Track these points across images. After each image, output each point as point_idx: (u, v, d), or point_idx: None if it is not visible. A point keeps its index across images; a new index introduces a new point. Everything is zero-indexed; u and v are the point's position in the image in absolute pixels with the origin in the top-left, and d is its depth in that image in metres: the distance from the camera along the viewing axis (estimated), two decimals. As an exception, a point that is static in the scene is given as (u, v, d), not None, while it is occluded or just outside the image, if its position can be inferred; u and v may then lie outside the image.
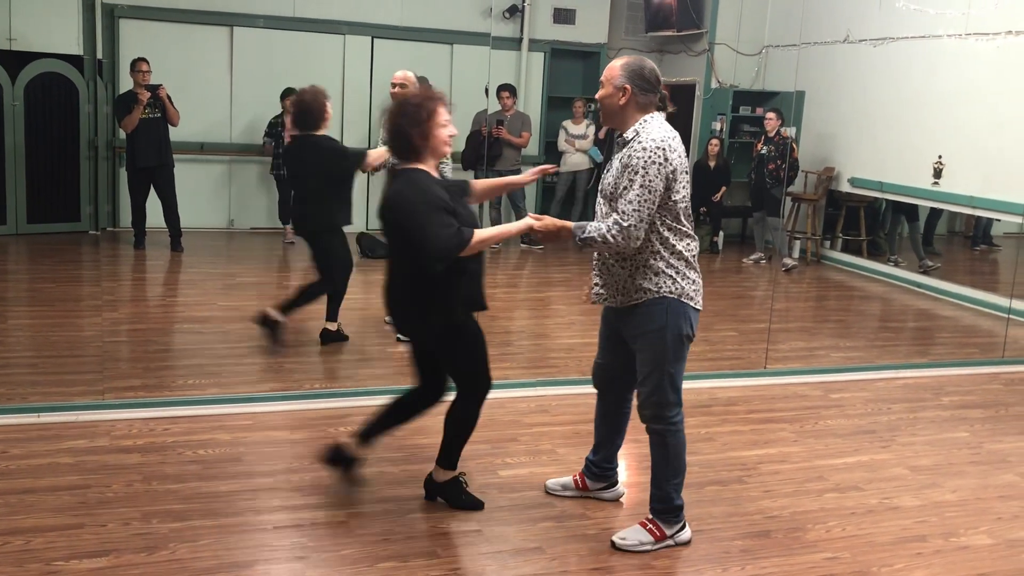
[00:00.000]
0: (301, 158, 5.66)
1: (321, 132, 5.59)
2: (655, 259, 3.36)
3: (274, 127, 9.40)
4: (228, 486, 3.82)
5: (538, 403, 5.04)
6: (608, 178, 3.45)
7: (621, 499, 3.93)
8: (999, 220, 9.22)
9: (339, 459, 3.78)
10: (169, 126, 8.69)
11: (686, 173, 3.41)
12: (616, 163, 3.41)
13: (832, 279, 9.48)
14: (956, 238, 11.09)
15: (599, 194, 3.53)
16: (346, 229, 5.84)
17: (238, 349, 5.79)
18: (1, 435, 4.19)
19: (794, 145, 9.43)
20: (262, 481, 3.88)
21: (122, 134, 8.81)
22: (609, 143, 10.19)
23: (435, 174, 3.51)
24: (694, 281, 3.42)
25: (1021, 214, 7.42)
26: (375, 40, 10.22)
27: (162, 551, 3.27)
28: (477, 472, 4.07)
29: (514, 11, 10.64)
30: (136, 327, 6.27)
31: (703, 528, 3.69)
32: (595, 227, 3.33)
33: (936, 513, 3.93)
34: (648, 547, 3.50)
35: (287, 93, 9.28)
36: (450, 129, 3.49)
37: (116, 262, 8.43)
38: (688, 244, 3.41)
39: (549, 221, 3.44)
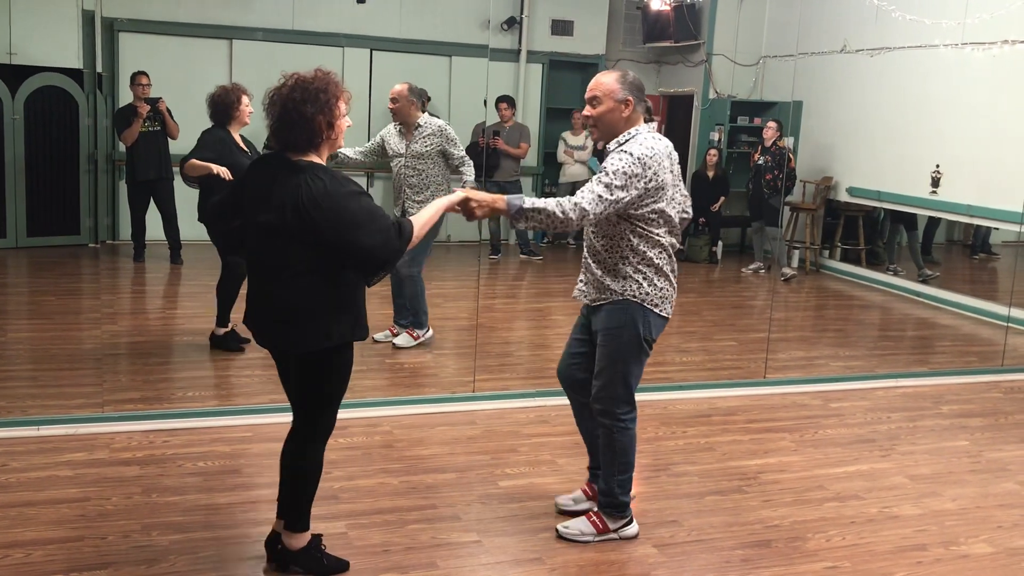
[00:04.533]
0: None
1: (232, 128, 5.74)
2: (624, 264, 3.47)
3: (273, 139, 9.41)
4: (227, 498, 3.82)
5: (538, 414, 5.04)
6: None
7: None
8: (997, 228, 9.24)
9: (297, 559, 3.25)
10: (169, 139, 8.72)
11: (676, 185, 3.51)
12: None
13: (831, 288, 9.49)
14: (955, 247, 11.11)
15: None
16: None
17: (237, 361, 5.79)
18: (1, 448, 4.19)
19: (791, 155, 9.45)
20: (261, 493, 3.88)
21: (122, 147, 8.82)
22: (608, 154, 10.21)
23: None
24: (661, 289, 3.50)
25: (1019, 223, 7.43)
26: (374, 52, 10.25)
27: (162, 563, 3.27)
28: (477, 483, 4.07)
29: (512, 23, 10.68)
30: (136, 339, 6.27)
31: (703, 538, 3.69)
32: (542, 201, 3.36)
33: (936, 522, 3.93)
34: (589, 538, 3.61)
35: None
36: (348, 120, 3.16)
37: (116, 275, 8.44)
38: (660, 253, 3.47)
39: (483, 195, 3.38)
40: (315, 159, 3.06)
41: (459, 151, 6.12)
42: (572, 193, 10.81)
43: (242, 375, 5.56)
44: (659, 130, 3.66)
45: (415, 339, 6.25)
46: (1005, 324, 7.29)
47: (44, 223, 9.05)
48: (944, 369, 6.49)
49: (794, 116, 10.21)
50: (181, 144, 8.97)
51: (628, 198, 3.34)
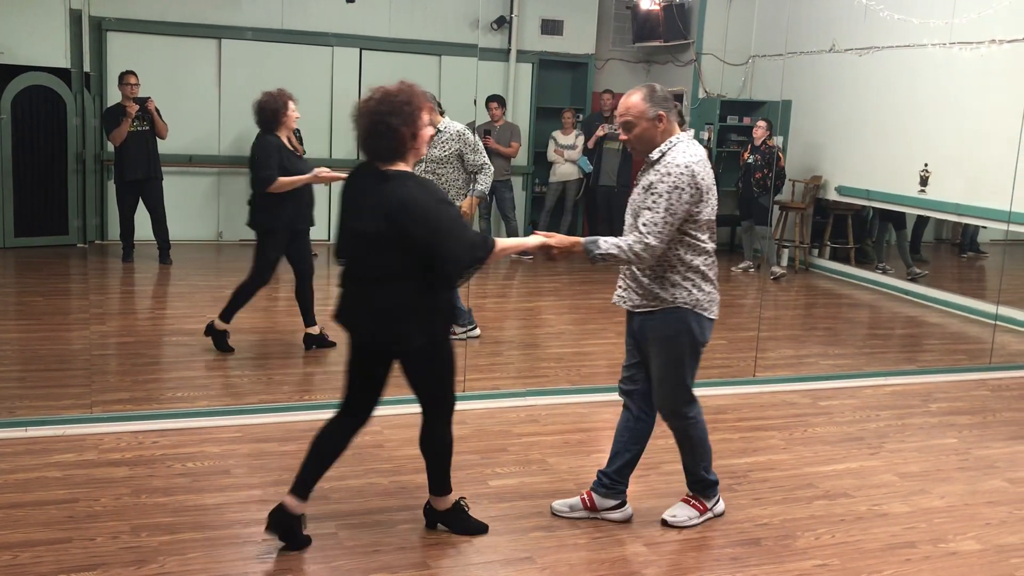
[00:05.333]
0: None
1: (280, 133, 5.76)
2: (672, 272, 3.53)
3: (262, 139, 9.39)
4: (217, 499, 3.81)
5: (528, 413, 5.04)
6: (635, 196, 3.57)
7: (630, 520, 3.81)
8: (985, 227, 9.28)
9: (285, 522, 3.42)
10: (157, 139, 8.69)
11: (712, 191, 3.56)
12: (643, 181, 3.54)
13: (820, 287, 9.51)
14: (943, 245, 11.15)
15: (628, 208, 3.65)
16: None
17: (226, 361, 5.78)
18: (-12, 449, 4.17)
19: (780, 154, 9.47)
20: (251, 493, 3.87)
21: (110, 147, 8.79)
22: (598, 153, 10.23)
23: None
24: (709, 293, 3.57)
25: (1006, 221, 7.47)
26: (363, 51, 10.23)
27: (151, 564, 3.26)
28: (467, 482, 4.06)
29: (502, 22, 10.68)
30: (124, 340, 6.25)
31: (693, 536, 3.70)
32: (613, 242, 3.45)
33: (925, 519, 3.95)
34: (695, 520, 3.79)
35: (275, 105, 9.30)
36: (430, 129, 3.39)
37: (104, 275, 8.40)
38: (706, 259, 3.55)
39: (561, 238, 3.54)
40: (402, 167, 3.27)
41: (478, 157, 6.09)
42: (561, 193, 10.70)
43: (232, 375, 5.54)
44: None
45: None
46: (993, 322, 7.33)
47: (32, 223, 9.01)
48: (933, 367, 6.52)
49: (783, 115, 10.23)
50: (169, 143, 8.96)
51: (687, 208, 3.42)
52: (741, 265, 9.94)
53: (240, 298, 5.90)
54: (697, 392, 5.44)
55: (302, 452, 4.30)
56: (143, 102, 8.52)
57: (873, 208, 9.80)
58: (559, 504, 3.86)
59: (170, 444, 4.35)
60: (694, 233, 3.49)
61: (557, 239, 3.52)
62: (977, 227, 9.84)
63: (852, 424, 5.13)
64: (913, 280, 9.18)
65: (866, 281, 9.53)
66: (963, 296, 8.53)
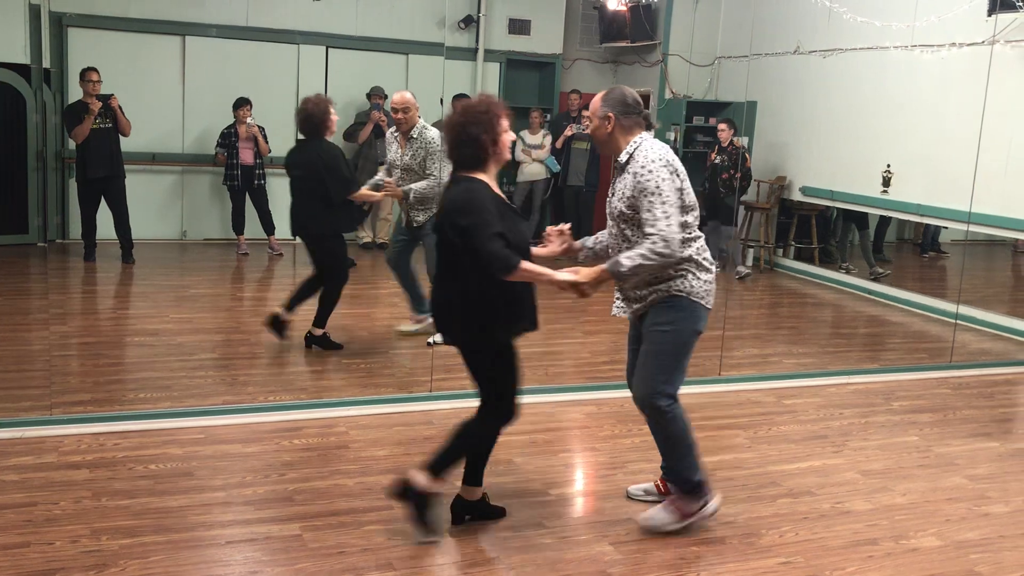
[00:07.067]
0: (299, 163, 5.88)
1: (325, 138, 5.85)
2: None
3: (227, 137, 9.30)
4: (179, 501, 3.77)
5: (495, 413, 5.02)
6: (614, 201, 3.62)
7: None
8: (946, 227, 9.41)
9: (410, 497, 3.57)
10: (120, 136, 8.58)
11: (685, 174, 3.66)
12: (619, 185, 3.60)
13: (785, 286, 9.60)
14: (906, 245, 11.30)
15: (608, 216, 3.71)
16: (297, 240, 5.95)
17: (190, 362, 5.71)
18: (-56, 453, 4.09)
19: (747, 155, 9.55)
20: (214, 495, 3.83)
21: (71, 145, 8.67)
22: (566, 153, 10.24)
23: (494, 185, 3.48)
24: (705, 281, 3.62)
25: (966, 221, 7.58)
26: (329, 50, 10.18)
27: (111, 568, 3.21)
28: (433, 483, 4.05)
29: (469, 21, 10.67)
30: (86, 340, 6.16)
31: (658, 535, 3.70)
32: (635, 254, 3.44)
33: (887, 516, 3.99)
34: (672, 526, 3.71)
35: (240, 103, 9.22)
36: (510, 135, 3.52)
37: (65, 275, 8.28)
38: (698, 248, 3.62)
39: (586, 272, 3.53)
40: (479, 176, 3.42)
41: (432, 167, 5.97)
42: (529, 192, 10.69)
43: (195, 376, 5.48)
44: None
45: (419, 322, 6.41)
46: (954, 321, 7.43)
47: (-9, 222, 8.86)
48: (895, 366, 6.60)
49: (748, 116, 10.31)
50: (132, 141, 8.85)
51: (678, 190, 3.51)
52: (707, 265, 9.99)
53: (328, 303, 6.00)
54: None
55: (266, 453, 4.29)
56: (106, 99, 8.40)
57: (837, 208, 9.90)
58: (634, 488, 4.02)
59: (132, 446, 4.29)
60: (682, 218, 3.53)
61: (583, 274, 3.48)
62: (938, 227, 9.99)
63: (816, 422, 5.18)
64: (876, 280, 9.29)
65: (830, 281, 9.63)
66: (924, 295, 8.64)
